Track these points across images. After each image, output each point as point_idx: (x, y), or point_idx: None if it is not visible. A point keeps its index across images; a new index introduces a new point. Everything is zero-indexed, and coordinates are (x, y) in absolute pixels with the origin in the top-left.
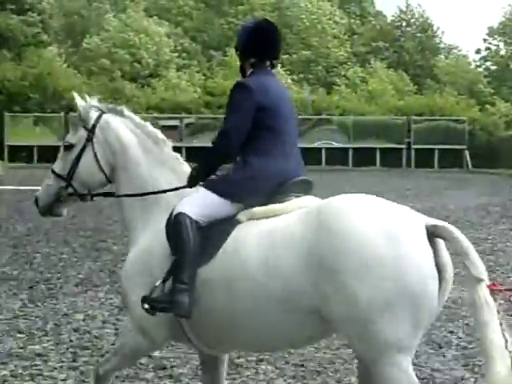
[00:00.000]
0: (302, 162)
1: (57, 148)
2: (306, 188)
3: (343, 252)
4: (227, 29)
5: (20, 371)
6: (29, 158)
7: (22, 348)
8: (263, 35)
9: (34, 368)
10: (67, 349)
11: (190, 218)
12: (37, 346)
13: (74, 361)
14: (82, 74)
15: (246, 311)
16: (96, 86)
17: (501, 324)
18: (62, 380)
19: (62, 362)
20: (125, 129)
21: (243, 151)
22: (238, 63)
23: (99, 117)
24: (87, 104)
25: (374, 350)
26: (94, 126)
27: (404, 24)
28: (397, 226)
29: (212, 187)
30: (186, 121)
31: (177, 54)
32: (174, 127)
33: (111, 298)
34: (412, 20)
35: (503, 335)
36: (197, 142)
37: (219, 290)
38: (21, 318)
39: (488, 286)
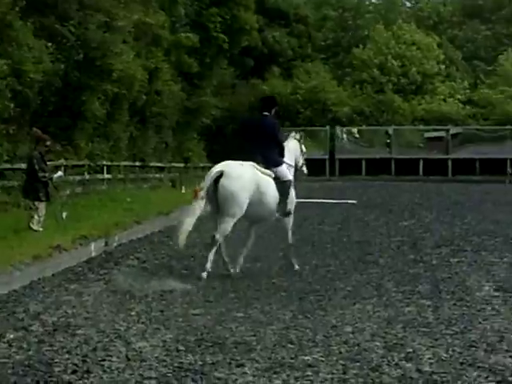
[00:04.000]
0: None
1: (323, 161)
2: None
3: None
4: (491, 37)
5: (292, 381)
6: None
7: (292, 358)
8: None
9: (306, 378)
10: (337, 360)
11: None
12: (307, 357)
13: (344, 373)
14: (346, 86)
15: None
16: (362, 99)
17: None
18: None
19: (333, 373)
20: None
21: None
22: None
23: None
24: None
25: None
26: None
27: None
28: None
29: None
30: (452, 131)
31: (444, 66)
32: (440, 138)
33: (379, 311)
34: None
35: None
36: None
37: None
38: (292, 328)
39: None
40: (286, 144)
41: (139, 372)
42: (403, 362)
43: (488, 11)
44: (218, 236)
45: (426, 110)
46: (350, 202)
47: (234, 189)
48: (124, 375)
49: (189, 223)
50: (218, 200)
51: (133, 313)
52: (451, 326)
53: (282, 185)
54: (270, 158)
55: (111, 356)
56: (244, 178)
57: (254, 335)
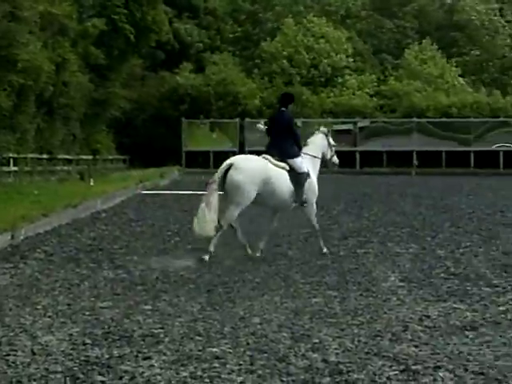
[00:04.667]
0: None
1: (232, 153)
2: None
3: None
4: (398, 31)
5: (199, 373)
6: (205, 164)
7: (200, 350)
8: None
9: (213, 370)
10: (244, 352)
11: None
12: (215, 349)
13: (252, 364)
14: (255, 78)
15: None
16: (272, 92)
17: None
18: (240, 383)
19: (240, 364)
20: None
21: None
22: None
23: None
24: None
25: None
26: None
27: None
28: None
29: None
30: (359, 124)
31: (352, 59)
32: (348, 131)
33: (286, 302)
34: None
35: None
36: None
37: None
38: (200, 320)
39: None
40: (313, 138)
41: (45, 366)
42: (310, 352)
43: (395, 5)
44: (222, 222)
45: (335, 103)
46: None
47: (239, 179)
48: (29, 370)
49: (210, 216)
50: (225, 189)
51: (39, 306)
52: (357, 316)
53: (296, 176)
54: (286, 150)
55: (16, 350)
56: (251, 169)
57: (162, 328)
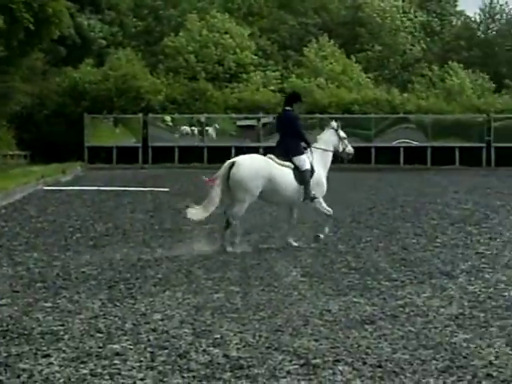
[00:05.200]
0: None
1: (135, 149)
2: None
3: None
4: (300, 28)
5: (99, 370)
6: (108, 159)
7: (100, 347)
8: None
9: (113, 367)
10: (145, 348)
11: None
12: (116, 346)
13: (152, 360)
14: (159, 74)
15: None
16: (176, 87)
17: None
18: (140, 379)
19: (141, 361)
20: None
21: None
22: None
23: None
24: None
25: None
26: None
27: (489, 21)
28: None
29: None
30: (262, 120)
31: (256, 56)
32: (252, 127)
33: (188, 298)
34: (497, 17)
35: None
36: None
37: None
38: (100, 317)
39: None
40: (322, 135)
41: None
42: (211, 347)
43: (297, 2)
44: (231, 219)
45: (239, 99)
46: (162, 189)
47: (241, 176)
48: None
49: (206, 207)
50: (230, 187)
51: None
52: (259, 311)
53: (300, 174)
54: (290, 148)
55: None
56: (252, 167)
57: (62, 325)
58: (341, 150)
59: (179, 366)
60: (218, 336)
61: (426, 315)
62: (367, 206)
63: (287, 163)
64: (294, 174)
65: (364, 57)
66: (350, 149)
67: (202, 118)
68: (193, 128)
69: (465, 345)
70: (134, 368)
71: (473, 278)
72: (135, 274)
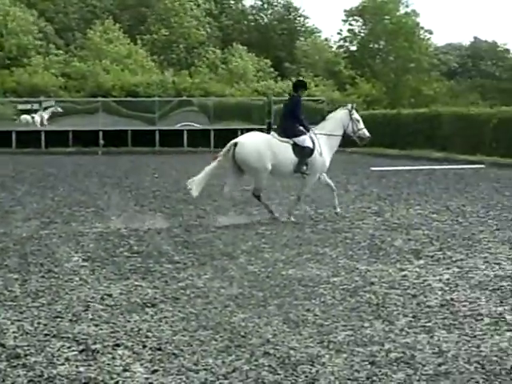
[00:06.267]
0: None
1: None
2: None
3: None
4: (86, 11)
5: None
6: None
7: None
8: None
9: None
10: None
11: None
12: None
13: None
14: None
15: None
16: None
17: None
18: None
19: None
20: None
21: None
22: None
23: None
24: None
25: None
26: None
27: (266, 6)
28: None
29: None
30: (44, 104)
31: (39, 40)
32: (35, 111)
33: None
34: (274, 3)
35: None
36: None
37: None
38: None
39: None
40: (333, 113)
41: None
42: None
43: None
44: (256, 192)
45: (17, 82)
46: None
47: (245, 153)
48: None
49: (200, 178)
50: (239, 166)
51: None
52: (38, 298)
53: (300, 149)
54: (288, 129)
55: None
56: (254, 143)
57: None
58: (351, 130)
59: None
60: None
61: (206, 296)
62: (151, 189)
63: (286, 139)
64: (293, 149)
65: (150, 39)
66: (364, 132)
67: None
68: None
69: (243, 324)
70: None
71: (253, 258)
72: (14, 259)
